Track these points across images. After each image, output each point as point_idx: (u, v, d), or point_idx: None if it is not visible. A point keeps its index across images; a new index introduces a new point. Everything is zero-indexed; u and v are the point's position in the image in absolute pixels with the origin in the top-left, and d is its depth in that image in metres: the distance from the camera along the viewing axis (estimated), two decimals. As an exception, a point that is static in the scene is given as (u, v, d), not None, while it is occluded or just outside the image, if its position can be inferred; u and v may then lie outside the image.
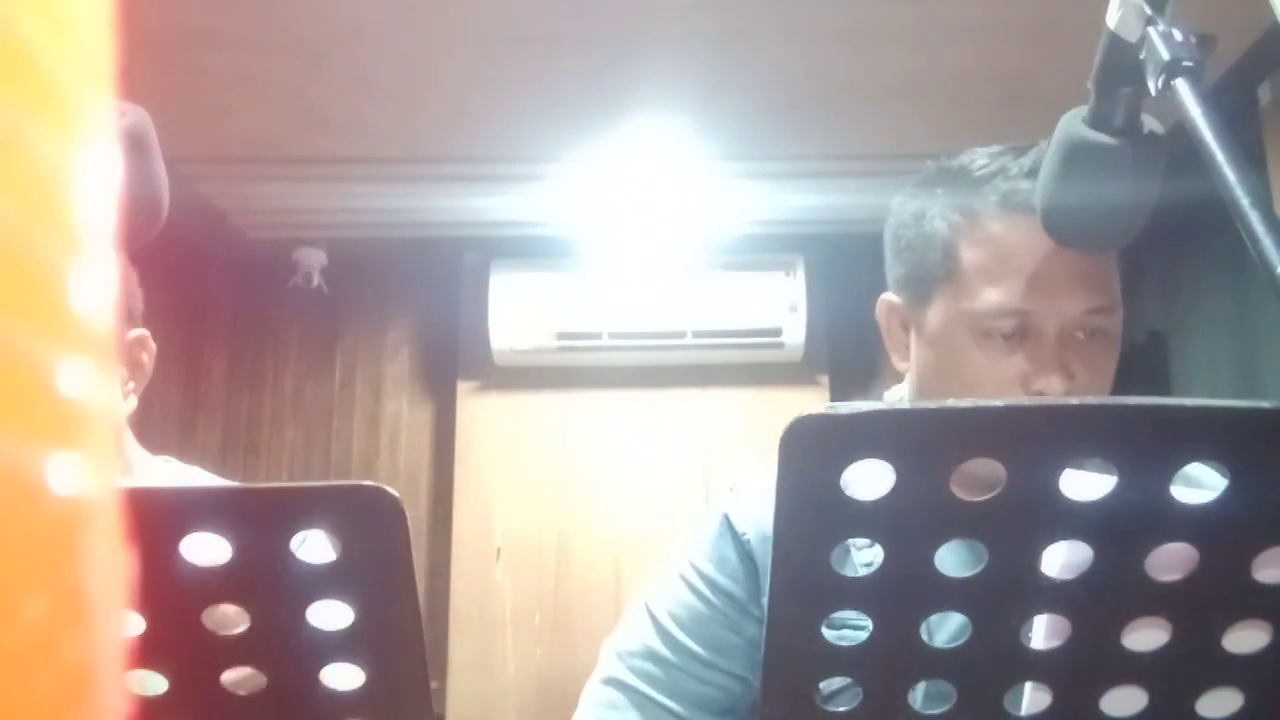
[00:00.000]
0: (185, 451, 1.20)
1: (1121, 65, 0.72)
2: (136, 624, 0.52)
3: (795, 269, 3.16)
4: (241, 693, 0.56)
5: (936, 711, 0.54)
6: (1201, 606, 0.51)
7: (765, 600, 0.93)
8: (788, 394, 3.20)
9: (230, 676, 0.56)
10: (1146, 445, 0.48)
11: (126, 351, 1.05)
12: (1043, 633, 0.54)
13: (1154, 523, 0.49)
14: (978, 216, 0.89)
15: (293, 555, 0.53)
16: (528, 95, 2.35)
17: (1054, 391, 0.84)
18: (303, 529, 0.53)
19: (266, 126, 2.48)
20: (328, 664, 0.56)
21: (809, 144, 2.60)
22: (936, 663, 0.54)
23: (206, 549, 0.52)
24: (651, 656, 0.93)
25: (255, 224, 3.13)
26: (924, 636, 0.54)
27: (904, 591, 0.52)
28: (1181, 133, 0.63)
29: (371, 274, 3.40)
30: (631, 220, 3.04)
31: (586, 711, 0.95)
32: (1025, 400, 0.83)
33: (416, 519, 3.25)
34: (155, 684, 0.55)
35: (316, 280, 3.27)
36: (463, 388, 3.25)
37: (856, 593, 0.52)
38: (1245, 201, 0.57)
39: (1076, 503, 0.49)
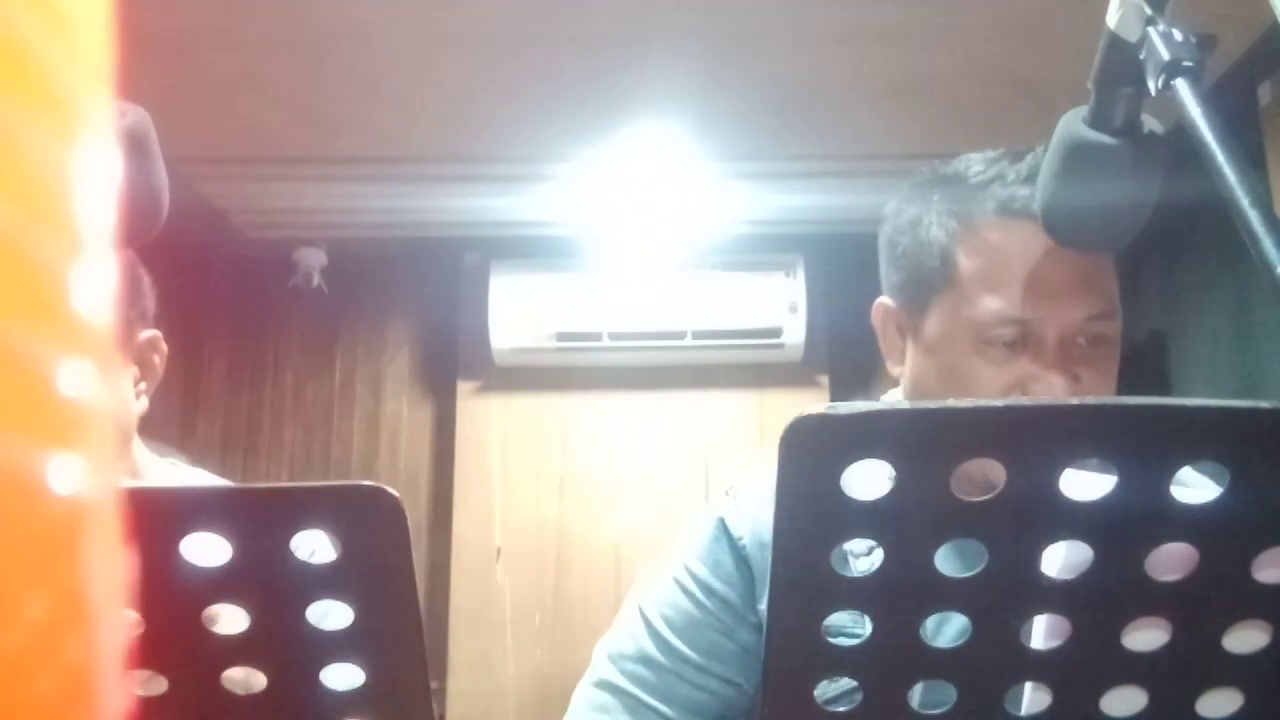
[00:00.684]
0: (185, 451, 1.20)
1: (1121, 65, 0.72)
2: (136, 624, 0.52)
3: (795, 269, 3.16)
4: (241, 693, 0.56)
5: (936, 712, 0.54)
6: (1201, 606, 0.51)
7: (761, 605, 0.93)
8: (787, 394, 3.20)
9: (230, 676, 0.56)
10: (1146, 445, 0.48)
11: (138, 352, 1.04)
12: (1043, 633, 0.54)
13: (1154, 523, 0.49)
14: (975, 223, 0.89)
15: (293, 555, 0.53)
16: (528, 96, 2.35)
17: (1057, 392, 0.84)
18: (302, 529, 0.53)
19: (266, 126, 2.48)
20: (328, 664, 0.56)
21: (809, 144, 2.60)
22: (936, 663, 0.54)
23: (206, 549, 0.52)
24: (644, 659, 0.93)
25: (255, 224, 3.13)
26: (924, 637, 0.54)
27: (904, 592, 0.52)
28: (1181, 133, 0.63)
29: (371, 274, 3.40)
30: (632, 220, 3.04)
31: (577, 713, 0.94)
32: (1025, 400, 0.82)
33: (416, 519, 3.25)
34: (155, 684, 0.55)
35: (316, 280, 3.27)
36: (463, 388, 3.25)
37: (856, 593, 0.52)
38: (1245, 201, 0.57)
39: (1076, 503, 0.49)
